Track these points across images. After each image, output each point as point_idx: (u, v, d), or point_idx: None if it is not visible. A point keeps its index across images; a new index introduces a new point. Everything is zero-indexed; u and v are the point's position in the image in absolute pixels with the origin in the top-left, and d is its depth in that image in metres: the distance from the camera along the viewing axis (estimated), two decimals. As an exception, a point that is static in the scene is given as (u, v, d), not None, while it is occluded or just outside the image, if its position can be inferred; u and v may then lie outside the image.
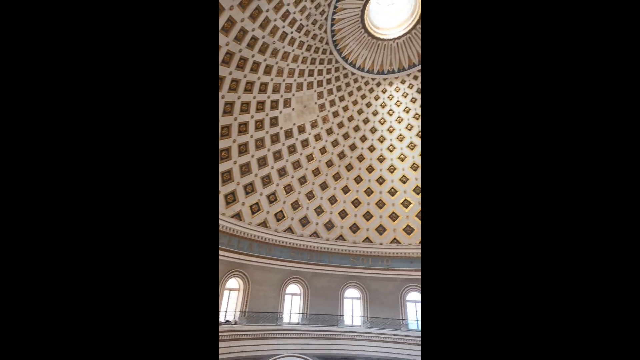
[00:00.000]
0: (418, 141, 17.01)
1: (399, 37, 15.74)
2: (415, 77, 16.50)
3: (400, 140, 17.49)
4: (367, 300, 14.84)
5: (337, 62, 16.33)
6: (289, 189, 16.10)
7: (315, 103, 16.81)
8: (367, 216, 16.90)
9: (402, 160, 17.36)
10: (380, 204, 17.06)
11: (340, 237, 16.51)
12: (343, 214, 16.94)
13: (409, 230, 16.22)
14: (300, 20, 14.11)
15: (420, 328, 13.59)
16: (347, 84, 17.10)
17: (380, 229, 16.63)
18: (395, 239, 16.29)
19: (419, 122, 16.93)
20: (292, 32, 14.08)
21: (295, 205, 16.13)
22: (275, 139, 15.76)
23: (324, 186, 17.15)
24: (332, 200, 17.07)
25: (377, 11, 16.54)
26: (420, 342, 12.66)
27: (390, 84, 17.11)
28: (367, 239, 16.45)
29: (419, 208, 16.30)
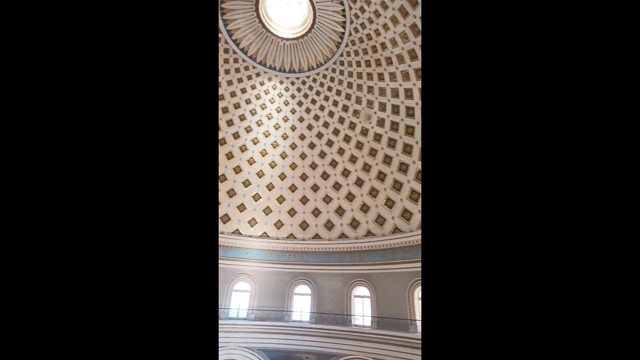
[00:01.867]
0: (282, 142, 18.03)
1: (288, 39, 16.33)
2: (293, 83, 17.56)
3: (266, 136, 17.94)
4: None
5: (220, 32, 14.88)
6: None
7: (183, 65, 14.52)
8: (215, 203, 16.09)
9: (263, 156, 17.83)
10: (231, 193, 16.69)
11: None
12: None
13: (252, 223, 16.71)
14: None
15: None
16: (226, 60, 15.91)
17: (225, 218, 16.22)
18: (237, 229, 16.33)
19: (287, 124, 18.03)
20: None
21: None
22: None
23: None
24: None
25: (273, 3, 16.50)
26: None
27: (270, 79, 17.36)
28: (209, 226, 15.59)
29: (268, 203, 17.16)
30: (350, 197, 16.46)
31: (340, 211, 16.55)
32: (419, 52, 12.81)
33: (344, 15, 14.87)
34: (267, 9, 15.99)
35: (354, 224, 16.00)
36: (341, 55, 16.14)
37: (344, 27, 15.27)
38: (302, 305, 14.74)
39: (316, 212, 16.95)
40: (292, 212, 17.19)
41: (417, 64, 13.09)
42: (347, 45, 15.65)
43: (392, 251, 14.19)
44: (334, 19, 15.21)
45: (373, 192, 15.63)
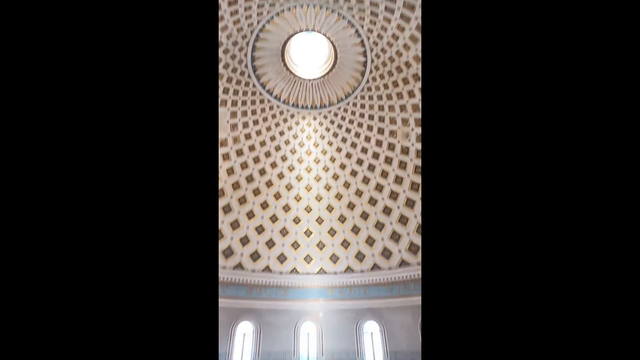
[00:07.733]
0: (323, 174, 18.28)
1: (315, 79, 17.22)
2: (325, 117, 18.13)
3: (308, 172, 18.41)
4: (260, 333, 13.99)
5: (254, 86, 16.37)
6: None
7: (228, 121, 16.10)
8: (270, 244, 16.53)
9: (309, 190, 18.16)
10: (284, 232, 17.05)
11: (239, 266, 15.41)
12: (245, 240, 16.04)
13: (308, 260, 16.63)
14: (220, 37, 13.73)
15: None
16: (263, 110, 17.22)
17: (282, 258, 16.45)
18: (295, 268, 16.34)
19: (326, 156, 18.36)
20: (209, 47, 13.43)
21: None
22: (174, 153, 13.99)
23: (227, 209, 16.01)
24: (235, 225, 16.03)
25: (295, 49, 17.80)
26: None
27: (304, 117, 18.20)
28: (267, 268, 15.92)
29: (320, 238, 17.06)
30: (403, 220, 15.57)
31: (395, 237, 15.65)
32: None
33: (364, 45, 15.30)
34: (292, 55, 17.28)
35: (413, 249, 14.89)
36: (367, 82, 16.37)
37: (365, 56, 15.63)
38: (372, 345, 13.67)
39: (370, 241, 16.28)
40: (345, 244, 16.77)
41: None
42: (371, 72, 15.87)
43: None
44: (354, 51, 15.73)
45: (428, 211, 14.57)
